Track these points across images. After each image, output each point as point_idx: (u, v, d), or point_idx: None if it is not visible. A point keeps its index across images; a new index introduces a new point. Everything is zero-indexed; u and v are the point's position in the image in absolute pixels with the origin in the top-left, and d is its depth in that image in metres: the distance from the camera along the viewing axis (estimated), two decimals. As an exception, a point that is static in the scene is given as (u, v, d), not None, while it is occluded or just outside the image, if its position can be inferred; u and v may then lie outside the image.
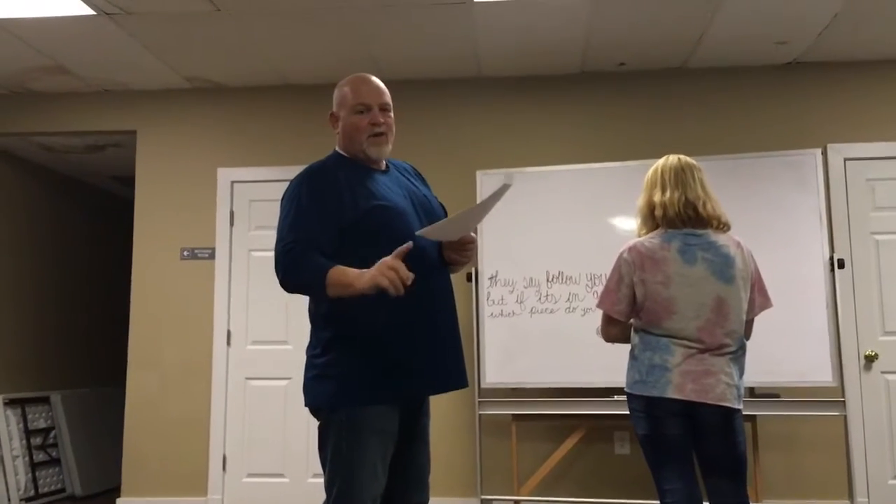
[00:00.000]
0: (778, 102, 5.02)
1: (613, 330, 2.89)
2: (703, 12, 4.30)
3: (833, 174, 4.86)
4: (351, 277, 2.21)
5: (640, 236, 2.90)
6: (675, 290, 2.74)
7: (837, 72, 5.01)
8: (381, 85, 2.52)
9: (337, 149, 2.55)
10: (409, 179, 2.58)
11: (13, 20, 4.30)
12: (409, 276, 2.16)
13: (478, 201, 4.68)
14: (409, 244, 2.19)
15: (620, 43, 4.72)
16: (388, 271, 2.14)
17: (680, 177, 2.84)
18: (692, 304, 2.73)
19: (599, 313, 2.93)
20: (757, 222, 4.32)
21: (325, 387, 2.33)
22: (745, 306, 2.80)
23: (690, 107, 5.09)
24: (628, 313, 2.84)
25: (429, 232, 2.31)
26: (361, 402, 2.29)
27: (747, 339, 2.87)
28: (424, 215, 2.49)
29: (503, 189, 2.27)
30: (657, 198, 2.84)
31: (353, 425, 2.29)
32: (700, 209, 2.80)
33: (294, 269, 2.30)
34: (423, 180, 2.66)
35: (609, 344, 2.98)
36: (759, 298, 2.87)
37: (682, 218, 2.80)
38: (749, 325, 2.88)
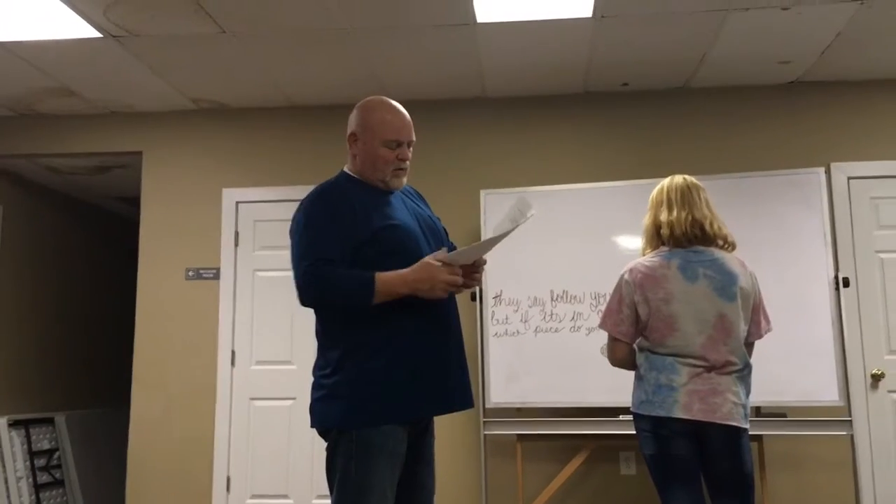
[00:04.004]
0: (781, 121, 5.04)
1: (619, 352, 2.89)
2: (705, 32, 4.32)
3: (837, 193, 4.87)
4: (402, 280, 2.29)
5: (643, 255, 2.91)
6: (676, 306, 2.74)
7: (841, 91, 5.02)
8: (409, 118, 2.52)
9: (345, 169, 2.55)
10: (413, 201, 2.60)
11: (19, 43, 4.33)
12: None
13: (482, 221, 4.71)
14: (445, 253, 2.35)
15: (623, 63, 4.74)
16: (450, 286, 2.31)
17: (686, 196, 2.85)
18: (694, 321, 2.73)
19: (604, 333, 2.93)
20: (761, 241, 4.32)
21: (335, 407, 2.33)
22: (745, 325, 2.80)
23: (693, 126, 5.10)
24: (632, 334, 2.83)
25: (452, 258, 2.35)
26: (372, 422, 2.29)
27: None
28: (431, 236, 2.52)
29: (526, 216, 2.31)
30: (664, 217, 2.85)
31: (362, 447, 2.28)
32: (707, 228, 2.81)
33: (329, 285, 2.30)
34: (424, 202, 2.68)
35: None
36: (763, 322, 2.87)
37: (689, 237, 2.81)
38: (750, 347, 2.88)
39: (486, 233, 4.62)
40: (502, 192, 4.74)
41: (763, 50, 4.56)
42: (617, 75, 4.94)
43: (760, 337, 2.88)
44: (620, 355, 2.89)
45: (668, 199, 2.88)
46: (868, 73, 4.94)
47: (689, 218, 2.82)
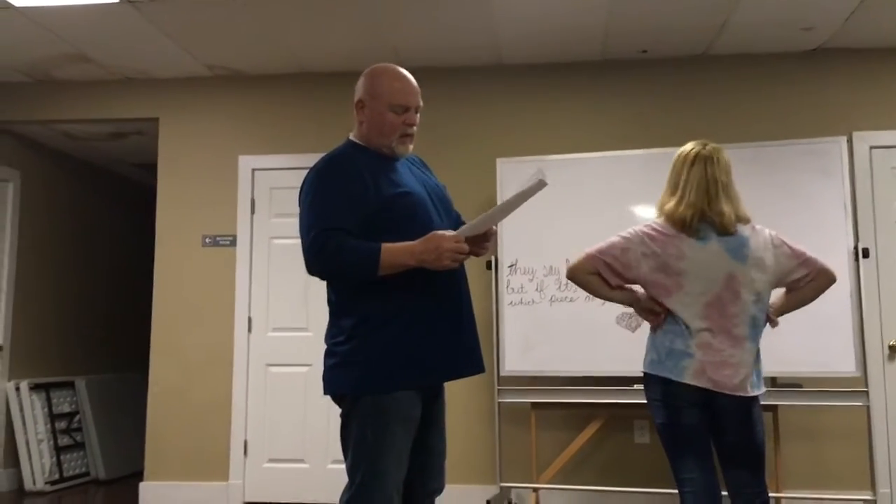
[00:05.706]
0: (803, 89, 4.96)
1: (581, 269, 2.81)
2: (726, -2, 4.26)
3: (858, 162, 4.80)
4: (409, 251, 2.28)
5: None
6: (686, 264, 2.72)
7: (864, 58, 4.93)
8: (416, 84, 2.51)
9: (352, 137, 2.54)
10: (419, 169, 2.60)
11: (36, 8, 4.32)
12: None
13: (498, 190, 4.69)
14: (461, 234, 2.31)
15: (642, 30, 4.67)
16: (458, 255, 2.28)
17: (701, 184, 2.76)
18: (701, 279, 2.71)
19: (618, 306, 2.90)
20: (781, 211, 4.26)
21: (349, 374, 2.34)
22: (758, 287, 2.76)
23: (713, 94, 5.03)
24: (607, 266, 2.77)
25: (463, 232, 2.33)
26: (385, 388, 2.31)
27: (811, 300, 2.87)
28: (439, 203, 2.53)
29: (539, 186, 2.29)
30: (672, 208, 2.79)
31: (378, 412, 2.30)
32: (717, 223, 2.75)
33: (336, 255, 2.29)
34: (429, 170, 2.67)
35: (628, 332, 2.96)
36: (806, 255, 2.87)
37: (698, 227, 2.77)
38: (816, 291, 2.88)
39: (502, 201, 4.59)
40: (518, 161, 4.71)
41: (786, 16, 4.48)
42: (636, 42, 4.87)
43: (812, 266, 2.86)
44: (584, 270, 2.81)
45: (683, 187, 2.79)
46: (893, 41, 4.84)
47: (699, 214, 2.75)
